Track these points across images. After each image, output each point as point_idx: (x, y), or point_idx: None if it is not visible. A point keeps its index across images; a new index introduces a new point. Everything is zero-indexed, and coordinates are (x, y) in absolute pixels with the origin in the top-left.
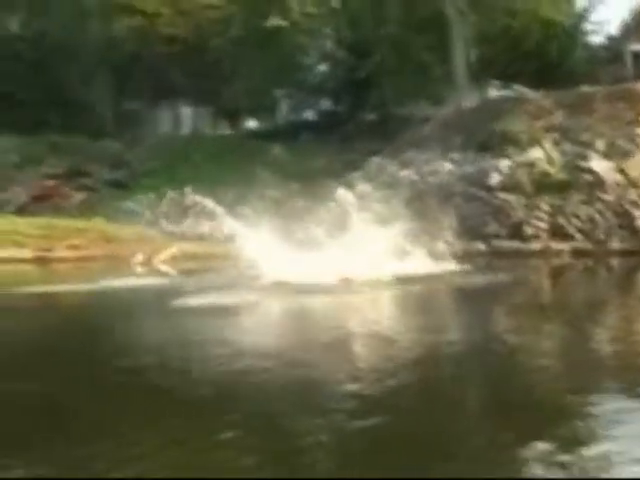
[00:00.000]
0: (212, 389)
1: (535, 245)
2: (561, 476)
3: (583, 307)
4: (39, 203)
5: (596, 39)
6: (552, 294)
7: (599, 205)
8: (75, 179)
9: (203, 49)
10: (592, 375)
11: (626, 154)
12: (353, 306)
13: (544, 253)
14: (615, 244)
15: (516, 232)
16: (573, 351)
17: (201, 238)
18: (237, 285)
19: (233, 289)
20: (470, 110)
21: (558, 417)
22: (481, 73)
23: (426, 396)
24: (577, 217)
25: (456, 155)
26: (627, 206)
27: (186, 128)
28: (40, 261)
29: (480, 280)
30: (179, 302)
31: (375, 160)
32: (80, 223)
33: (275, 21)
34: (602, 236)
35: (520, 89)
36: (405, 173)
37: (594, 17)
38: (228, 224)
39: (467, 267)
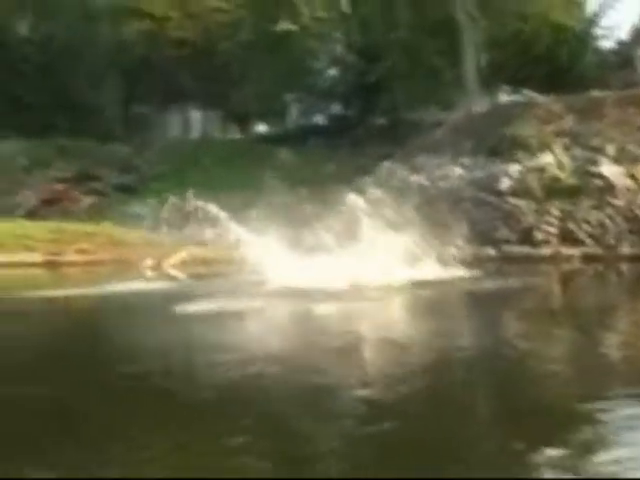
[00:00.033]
0: (222, 394)
1: (545, 250)
2: (563, 477)
3: (593, 312)
4: (48, 207)
5: (606, 44)
6: (562, 299)
7: (609, 210)
8: (84, 183)
9: (212, 53)
10: (603, 381)
11: (636, 159)
12: (363, 312)
13: (554, 258)
14: (625, 249)
15: (526, 237)
16: (584, 356)
17: (206, 244)
18: (246, 290)
19: (242, 294)
20: (480, 115)
21: (569, 423)
22: (491, 78)
23: (436, 402)
24: (587, 222)
25: (466, 160)
26: (637, 211)
27: (195, 132)
28: (50, 265)
29: (490, 285)
30: (188, 307)
31: (386, 165)
32: (89, 227)
33: (285, 25)
34: (612, 241)
35: (530, 94)
36: (416, 178)
37: (604, 22)
38: (233, 230)
39: (477, 272)
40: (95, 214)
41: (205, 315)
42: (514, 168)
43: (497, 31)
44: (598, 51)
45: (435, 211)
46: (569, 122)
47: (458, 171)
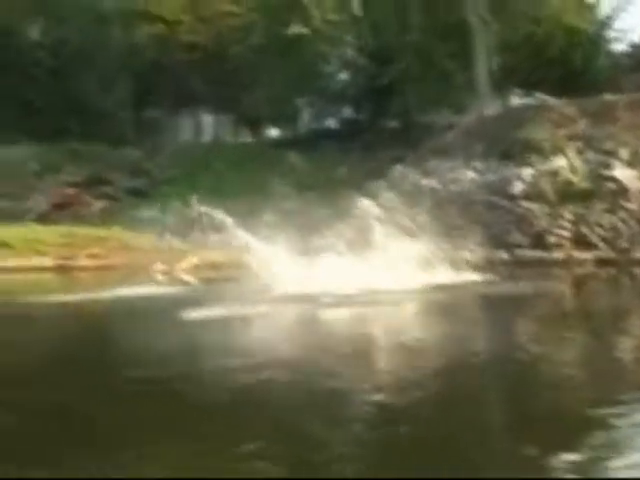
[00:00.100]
0: (234, 399)
1: (558, 254)
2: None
3: (607, 316)
4: (59, 211)
5: (619, 47)
6: (575, 303)
7: (622, 214)
8: (95, 187)
9: (223, 56)
10: (616, 385)
11: None
12: (375, 316)
13: (567, 262)
14: (639, 253)
15: (539, 241)
16: (597, 361)
17: (216, 248)
18: (257, 296)
19: (252, 299)
20: (492, 118)
21: (582, 428)
22: (503, 81)
23: (449, 406)
24: (600, 226)
25: (478, 163)
26: None
27: (207, 136)
28: (61, 270)
29: (503, 290)
30: (199, 312)
31: (397, 168)
32: (100, 232)
33: (296, 29)
34: (625, 245)
35: (542, 97)
36: (427, 182)
37: (617, 25)
38: (239, 236)
39: (490, 277)
40: (106, 218)
41: (216, 320)
42: (527, 172)
43: (509, 34)
44: (611, 54)
45: (447, 215)
46: (582, 125)
47: (470, 174)
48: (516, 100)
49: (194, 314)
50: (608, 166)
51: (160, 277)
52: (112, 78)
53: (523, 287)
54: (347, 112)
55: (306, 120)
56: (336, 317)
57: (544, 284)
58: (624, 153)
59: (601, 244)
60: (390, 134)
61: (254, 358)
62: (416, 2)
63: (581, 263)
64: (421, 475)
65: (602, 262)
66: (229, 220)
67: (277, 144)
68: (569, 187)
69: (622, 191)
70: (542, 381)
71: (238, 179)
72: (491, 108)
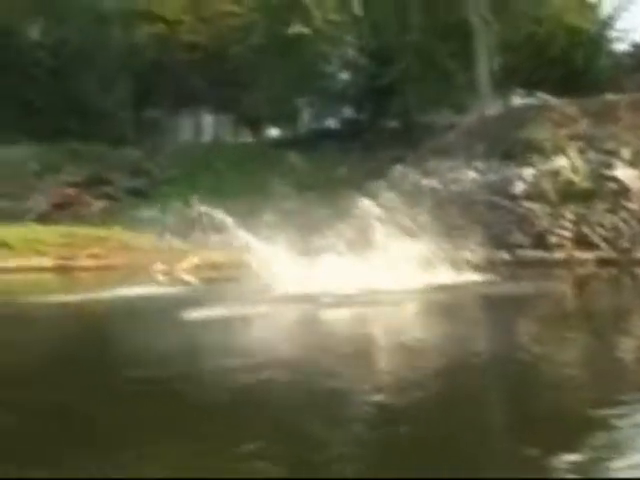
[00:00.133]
0: (234, 399)
1: (559, 254)
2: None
3: (608, 317)
4: (60, 211)
5: (621, 46)
6: (577, 304)
7: (624, 214)
8: (95, 187)
9: (224, 56)
10: (618, 386)
11: None
12: (375, 317)
13: (568, 262)
14: None
15: (540, 241)
16: (598, 361)
17: (216, 248)
18: (257, 296)
19: (252, 300)
20: (494, 118)
21: (583, 428)
22: (505, 81)
23: (450, 407)
24: (602, 226)
25: (479, 163)
26: None
27: (207, 136)
28: (61, 270)
29: (504, 290)
30: (199, 312)
31: (398, 168)
32: (100, 232)
33: (297, 28)
34: (627, 245)
35: (544, 97)
36: (428, 182)
37: (619, 24)
38: (240, 236)
39: (491, 277)
40: (107, 218)
41: (217, 320)
42: (528, 172)
43: (511, 34)
44: (613, 54)
45: (448, 215)
46: (583, 125)
47: (471, 174)
48: (517, 100)
49: (194, 314)
50: (610, 166)
51: (160, 277)
52: (112, 78)
53: (524, 287)
54: (347, 112)
55: (306, 120)
56: (336, 317)
57: (545, 284)
58: (626, 153)
59: (602, 244)
60: (390, 134)
61: (254, 358)
62: (417, 2)
63: (582, 263)
64: (421, 475)
65: (603, 262)
66: (229, 220)
67: (277, 144)
68: (570, 187)
69: (624, 191)
70: (543, 381)
71: (238, 179)
72: (492, 108)
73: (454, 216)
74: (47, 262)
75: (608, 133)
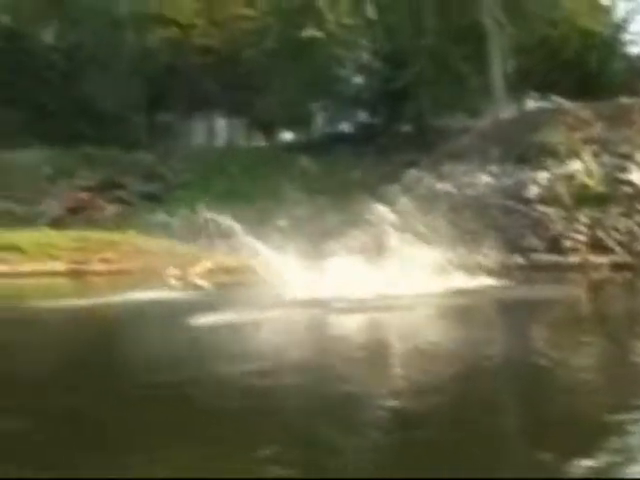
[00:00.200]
0: (248, 404)
1: (574, 258)
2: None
3: (623, 321)
4: (73, 216)
5: (635, 50)
6: (591, 308)
7: (638, 218)
8: (109, 191)
9: (237, 60)
10: (633, 390)
11: None
12: (391, 322)
13: (583, 266)
14: None
15: (555, 245)
16: (614, 365)
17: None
18: (271, 300)
19: (266, 304)
20: (508, 122)
21: (599, 433)
22: (519, 84)
23: (465, 412)
24: (616, 230)
25: (494, 167)
26: None
27: (220, 140)
28: (74, 274)
29: (519, 294)
30: (212, 316)
31: (412, 172)
32: (113, 236)
33: (310, 32)
34: None
35: (558, 100)
36: (442, 186)
37: (632, 27)
38: (247, 242)
39: (505, 281)
40: (120, 223)
41: (229, 325)
42: (542, 175)
43: (524, 37)
44: (626, 57)
45: (462, 219)
46: (598, 129)
47: (485, 178)
48: (531, 103)
49: (207, 319)
50: (624, 169)
51: (173, 282)
52: (126, 82)
53: (539, 291)
54: (361, 116)
55: (320, 124)
56: (350, 322)
57: (560, 288)
58: None
59: (617, 248)
60: (405, 138)
61: (267, 362)
62: (430, 5)
63: (597, 267)
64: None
65: (618, 266)
66: (237, 226)
67: (291, 148)
68: (585, 191)
69: (638, 195)
70: (558, 386)
71: (252, 184)
72: (506, 111)
73: (468, 220)
74: (60, 266)
75: (622, 136)
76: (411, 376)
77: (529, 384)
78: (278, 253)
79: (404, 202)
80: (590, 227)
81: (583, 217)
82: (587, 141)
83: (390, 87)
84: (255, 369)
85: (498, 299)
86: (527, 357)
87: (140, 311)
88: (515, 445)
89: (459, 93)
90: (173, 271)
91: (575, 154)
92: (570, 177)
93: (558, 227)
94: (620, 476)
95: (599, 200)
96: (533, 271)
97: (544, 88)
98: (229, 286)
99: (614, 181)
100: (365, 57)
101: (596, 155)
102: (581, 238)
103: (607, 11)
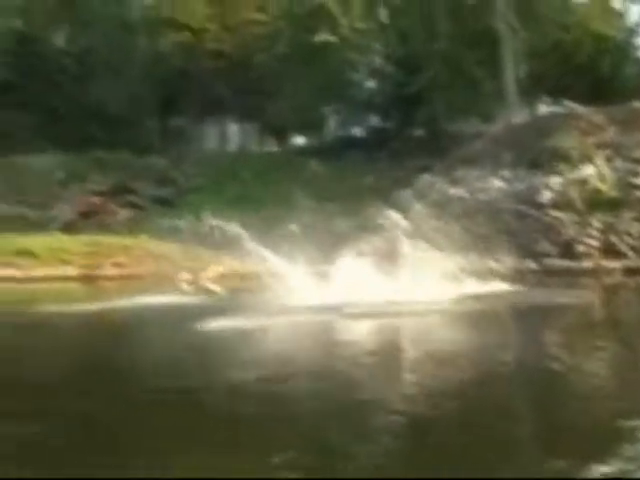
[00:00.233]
0: (262, 410)
1: (586, 263)
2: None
3: (636, 326)
4: (85, 220)
5: None
6: (605, 313)
7: None
8: (121, 196)
9: (249, 65)
10: None
11: None
12: (404, 327)
13: (596, 272)
14: None
15: (567, 250)
16: (627, 371)
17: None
18: (281, 306)
19: (276, 310)
20: (521, 126)
21: (613, 439)
22: (532, 88)
23: (479, 418)
24: (629, 235)
25: (507, 172)
26: None
27: (232, 144)
28: (86, 279)
29: (532, 299)
30: (222, 322)
31: (425, 177)
32: (125, 240)
33: (323, 36)
34: None
35: (571, 105)
36: (455, 191)
37: None
38: (253, 250)
39: (518, 286)
40: (132, 227)
41: (241, 330)
42: (555, 180)
43: (537, 41)
44: (639, 61)
45: (475, 224)
46: (611, 133)
47: (498, 183)
48: (544, 108)
49: (219, 324)
50: (637, 174)
51: (186, 286)
52: (138, 86)
53: (551, 296)
54: (374, 120)
55: (332, 128)
56: (363, 328)
57: (573, 293)
58: None
59: (630, 253)
60: (418, 143)
61: (281, 368)
62: (443, 10)
63: (610, 272)
64: None
65: (631, 271)
66: (244, 234)
67: (303, 153)
68: (598, 195)
69: None
70: (571, 391)
71: (264, 188)
72: (519, 116)
73: (481, 225)
74: (72, 271)
75: (635, 141)
76: (424, 382)
77: (542, 389)
78: (288, 259)
79: (416, 206)
80: (603, 232)
81: (596, 222)
82: (600, 146)
83: (403, 92)
84: (268, 375)
85: (511, 304)
86: (540, 362)
87: (152, 316)
88: (528, 451)
89: (472, 98)
90: (185, 276)
91: (588, 159)
92: (583, 182)
93: (571, 232)
94: None
95: (612, 205)
96: (546, 276)
97: (557, 92)
98: (241, 291)
99: (627, 186)
100: (378, 61)
101: (609, 160)
102: (594, 243)
103: (620, 15)
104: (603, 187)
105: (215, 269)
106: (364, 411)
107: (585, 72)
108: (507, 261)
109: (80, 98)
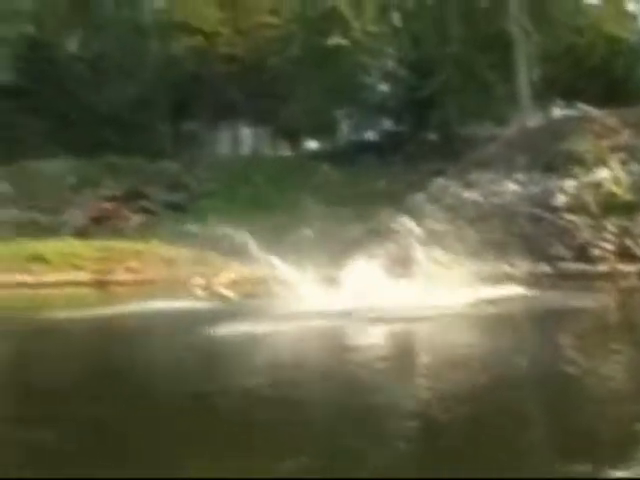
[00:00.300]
0: (275, 414)
1: (602, 267)
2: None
3: None
4: (97, 225)
5: None
6: (620, 316)
7: None
8: (133, 201)
9: (262, 68)
10: None
11: None
12: (419, 332)
13: (611, 275)
14: None
15: (582, 254)
16: None
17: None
18: (294, 312)
19: (289, 316)
20: (534, 130)
21: (630, 443)
22: (545, 91)
23: (494, 422)
24: None
25: (521, 175)
26: None
27: (245, 148)
28: (98, 284)
29: (547, 303)
30: (235, 327)
31: (439, 181)
32: (138, 245)
33: (335, 40)
34: None
35: (585, 108)
36: (469, 194)
37: None
38: (261, 258)
39: (533, 290)
40: (144, 232)
41: (254, 335)
42: (569, 184)
43: (550, 44)
44: None
45: (489, 228)
46: (625, 136)
47: (512, 187)
48: (558, 111)
49: (232, 329)
50: None
51: (199, 292)
52: (150, 90)
53: (567, 300)
54: (387, 124)
55: (345, 132)
56: (379, 333)
57: (588, 297)
58: None
59: None
60: (431, 146)
61: (295, 373)
62: (456, 13)
63: (625, 276)
64: None
65: None
66: (252, 242)
67: (316, 157)
68: (612, 199)
69: None
70: (587, 395)
71: (277, 193)
72: (533, 119)
73: (495, 229)
74: (84, 276)
75: None
76: (438, 386)
77: (558, 393)
78: (300, 265)
79: (431, 211)
80: (618, 235)
81: (611, 225)
82: (614, 149)
83: (416, 95)
84: (282, 379)
85: (526, 308)
86: (555, 366)
87: (164, 321)
88: (543, 455)
89: (485, 101)
90: (198, 281)
91: (602, 162)
92: (597, 185)
93: (585, 235)
94: None
95: (627, 208)
96: (560, 280)
97: (570, 95)
98: (254, 296)
99: None
100: (390, 65)
101: (623, 163)
102: (609, 246)
103: (633, 17)
104: (618, 190)
105: (227, 275)
106: (377, 415)
107: (599, 75)
108: (522, 265)
109: (92, 103)
